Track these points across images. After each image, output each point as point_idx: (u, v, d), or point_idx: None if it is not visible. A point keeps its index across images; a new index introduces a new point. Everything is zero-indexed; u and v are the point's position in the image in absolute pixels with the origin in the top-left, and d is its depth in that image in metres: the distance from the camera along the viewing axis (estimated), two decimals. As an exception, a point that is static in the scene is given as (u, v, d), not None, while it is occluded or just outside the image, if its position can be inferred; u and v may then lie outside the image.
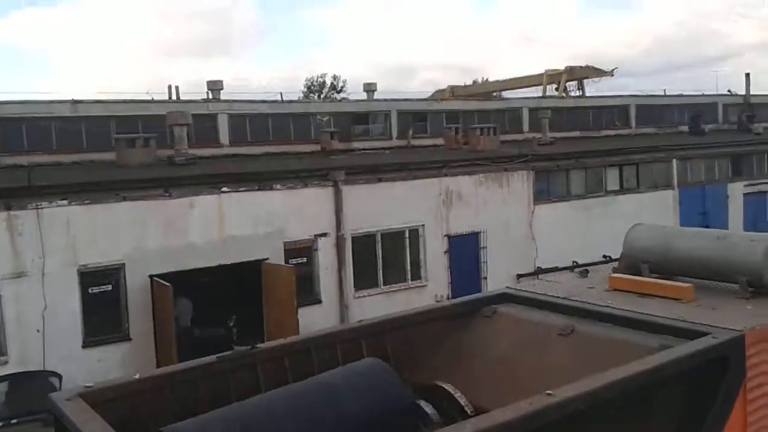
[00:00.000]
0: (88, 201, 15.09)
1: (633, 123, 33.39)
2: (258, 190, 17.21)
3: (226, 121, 23.87)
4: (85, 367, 13.97)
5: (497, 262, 20.42)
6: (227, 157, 22.59)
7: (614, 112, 33.37)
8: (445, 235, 19.97)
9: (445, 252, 19.96)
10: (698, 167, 26.25)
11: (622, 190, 24.03)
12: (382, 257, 19.08)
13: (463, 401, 5.50)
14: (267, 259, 16.98)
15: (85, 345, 14.89)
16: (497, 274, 19.72)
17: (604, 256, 19.40)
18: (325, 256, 18.09)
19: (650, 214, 21.07)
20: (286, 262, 17.17)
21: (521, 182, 21.49)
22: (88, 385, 4.82)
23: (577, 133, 30.82)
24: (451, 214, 20.10)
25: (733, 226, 24.88)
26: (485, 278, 20.47)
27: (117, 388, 4.86)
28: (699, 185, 25.97)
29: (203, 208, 16.41)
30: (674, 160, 25.34)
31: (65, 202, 14.83)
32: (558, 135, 28.28)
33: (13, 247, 14.21)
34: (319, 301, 17.94)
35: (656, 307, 6.04)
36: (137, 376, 5.01)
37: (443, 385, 5.77)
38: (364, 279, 18.80)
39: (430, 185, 19.77)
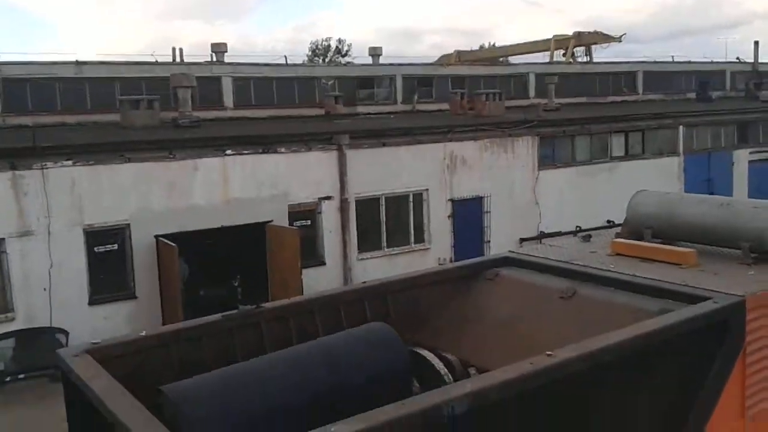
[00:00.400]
0: (93, 162, 15.11)
1: (640, 89, 33.15)
2: (262, 153, 17.20)
3: (230, 84, 23.78)
4: (92, 325, 14.15)
5: (500, 227, 20.47)
6: (231, 120, 22.54)
7: (621, 78, 33.09)
8: (448, 200, 19.99)
9: (448, 216, 20.00)
10: (704, 134, 26.09)
11: (627, 156, 23.93)
12: (386, 221, 19.14)
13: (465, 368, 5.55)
14: (271, 221, 17.05)
15: (92, 303, 15.05)
16: (500, 239, 19.78)
17: (608, 222, 19.50)
18: (329, 219, 18.15)
19: (655, 180, 21.00)
20: (290, 224, 17.25)
21: (526, 148, 21.42)
22: (94, 341, 4.89)
23: (583, 99, 30.63)
24: (455, 179, 20.09)
25: (738, 194, 24.82)
26: (488, 242, 20.54)
27: (123, 345, 4.92)
28: (704, 152, 25.85)
29: (207, 170, 16.43)
30: (680, 127, 25.19)
31: (70, 162, 14.86)
32: (564, 101, 28.11)
33: (18, 206, 14.28)
34: (323, 263, 18.05)
35: (658, 271, 6.07)
36: (143, 333, 5.07)
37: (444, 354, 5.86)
38: (368, 242, 18.89)
39: (435, 150, 19.72)
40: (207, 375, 4.57)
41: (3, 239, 14.19)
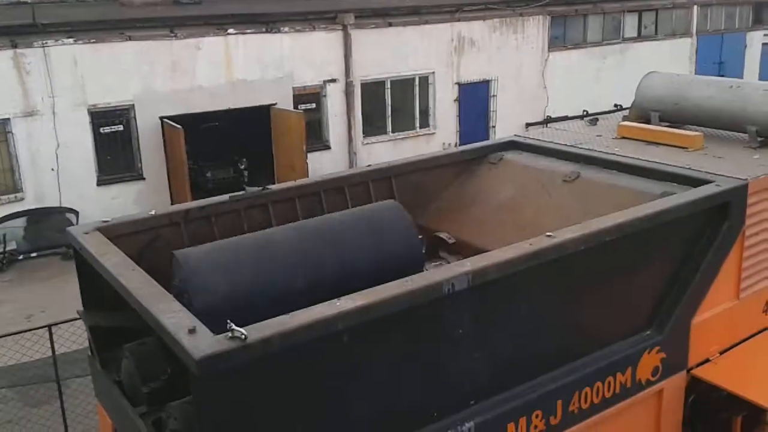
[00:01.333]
0: (94, 40, 14.80)
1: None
2: (265, 32, 16.80)
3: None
4: (101, 205, 14.33)
5: (507, 111, 20.26)
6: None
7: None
8: (455, 83, 19.68)
9: (454, 100, 19.76)
10: (718, 15, 25.27)
11: (640, 37, 23.27)
12: (391, 105, 18.94)
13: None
14: (276, 104, 16.90)
15: (100, 183, 15.19)
16: (506, 123, 19.60)
17: (616, 105, 19.29)
18: (334, 102, 17.96)
19: (666, 63, 20.54)
20: (295, 107, 17.10)
21: (536, 28, 20.84)
22: (105, 219, 4.98)
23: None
24: (463, 61, 19.68)
25: (750, 77, 24.35)
26: (494, 127, 20.40)
27: (133, 223, 5.00)
28: (718, 33, 25.16)
29: (210, 50, 16.11)
30: (695, 6, 24.37)
31: (71, 40, 14.57)
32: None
33: (22, 86, 14.14)
34: (328, 147, 18.04)
35: (663, 155, 6.08)
36: (153, 212, 5.15)
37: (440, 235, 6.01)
38: (373, 126, 18.79)
39: (442, 31, 19.20)
40: (218, 243, 4.67)
41: (8, 119, 14.15)
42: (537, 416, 4.40)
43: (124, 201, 14.95)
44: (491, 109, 20.38)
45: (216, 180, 17.23)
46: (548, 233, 4.39)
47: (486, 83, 20.17)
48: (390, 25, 18.48)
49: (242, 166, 17.86)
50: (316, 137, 17.71)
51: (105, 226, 4.82)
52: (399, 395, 3.88)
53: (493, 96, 20.29)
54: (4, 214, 14.16)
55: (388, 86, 18.73)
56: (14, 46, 14.05)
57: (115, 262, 4.21)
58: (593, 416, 4.73)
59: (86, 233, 4.69)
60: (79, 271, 4.76)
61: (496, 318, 4.22)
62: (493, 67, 20.15)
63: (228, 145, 17.97)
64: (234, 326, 3.21)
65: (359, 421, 3.74)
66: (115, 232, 4.78)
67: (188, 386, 3.41)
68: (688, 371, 5.36)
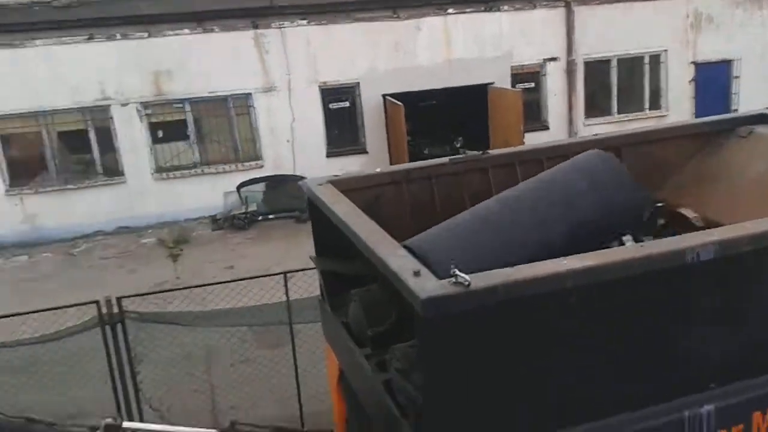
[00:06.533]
0: (325, 21, 15.64)
1: None
2: (484, 11, 16.69)
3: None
4: (328, 175, 15.16)
5: (751, 93, 18.35)
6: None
7: None
8: (691, 62, 18.25)
9: (690, 81, 18.33)
10: None
11: None
12: (617, 84, 18.00)
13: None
14: (493, 83, 16.75)
15: (329, 155, 16.15)
16: (751, 106, 17.53)
17: None
18: (554, 81, 17.46)
19: None
20: (513, 86, 16.84)
21: (789, 0, 18.68)
22: (335, 174, 5.22)
23: None
24: (700, 39, 18.19)
25: None
26: (735, 110, 18.62)
27: (361, 179, 5.21)
28: None
29: (429, 30, 16.37)
30: None
31: (305, 22, 15.52)
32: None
33: (262, 63, 15.35)
34: (547, 128, 17.59)
35: None
36: (378, 170, 5.31)
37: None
38: (596, 107, 18.03)
39: (676, 5, 17.87)
40: (444, 225, 4.38)
41: (250, 94, 15.45)
42: (789, 407, 3.89)
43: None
44: (732, 91, 18.65)
45: (433, 157, 17.37)
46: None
47: (726, 63, 18.49)
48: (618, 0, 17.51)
49: (458, 145, 17.99)
50: (534, 117, 17.34)
51: (336, 180, 5.06)
52: (629, 367, 3.60)
53: (736, 77, 18.53)
54: (246, 179, 15.57)
55: (615, 65, 17.81)
56: (255, 27, 15.24)
57: (345, 211, 4.37)
58: None
59: (320, 185, 4.96)
60: (312, 219, 5.01)
61: (745, 295, 3.77)
62: (735, 45, 18.40)
63: (445, 124, 18.16)
64: (458, 272, 3.14)
65: (584, 383, 3.52)
66: (345, 186, 4.98)
67: (411, 332, 3.42)
68: None
